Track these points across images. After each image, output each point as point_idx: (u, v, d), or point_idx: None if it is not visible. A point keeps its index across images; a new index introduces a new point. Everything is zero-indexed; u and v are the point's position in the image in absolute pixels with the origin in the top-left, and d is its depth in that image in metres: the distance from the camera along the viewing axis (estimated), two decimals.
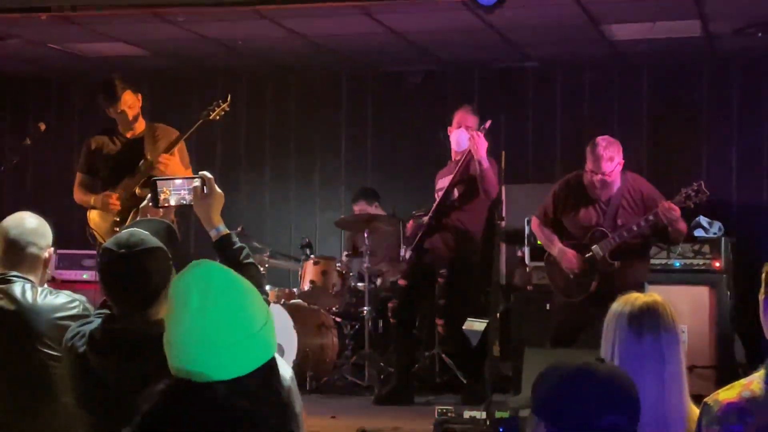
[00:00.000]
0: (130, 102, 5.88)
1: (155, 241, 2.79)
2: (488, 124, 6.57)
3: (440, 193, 6.77)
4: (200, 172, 3.19)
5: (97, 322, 2.82)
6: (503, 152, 6.30)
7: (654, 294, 2.84)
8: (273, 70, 9.11)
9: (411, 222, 6.96)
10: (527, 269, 7.32)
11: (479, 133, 6.47)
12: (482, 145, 6.43)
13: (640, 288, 5.55)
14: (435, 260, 6.74)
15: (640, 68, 8.48)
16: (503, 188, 6.80)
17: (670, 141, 8.39)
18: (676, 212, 5.59)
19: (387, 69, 8.94)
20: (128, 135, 5.97)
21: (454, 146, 6.80)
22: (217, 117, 6.01)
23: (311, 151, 9.27)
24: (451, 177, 6.73)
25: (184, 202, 3.24)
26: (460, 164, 6.65)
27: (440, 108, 8.67)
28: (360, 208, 8.23)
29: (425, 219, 6.79)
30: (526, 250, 7.30)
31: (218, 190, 3.18)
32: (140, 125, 5.99)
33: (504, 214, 6.95)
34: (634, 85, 8.52)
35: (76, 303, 3.44)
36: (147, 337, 2.64)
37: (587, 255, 5.81)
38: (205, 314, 1.97)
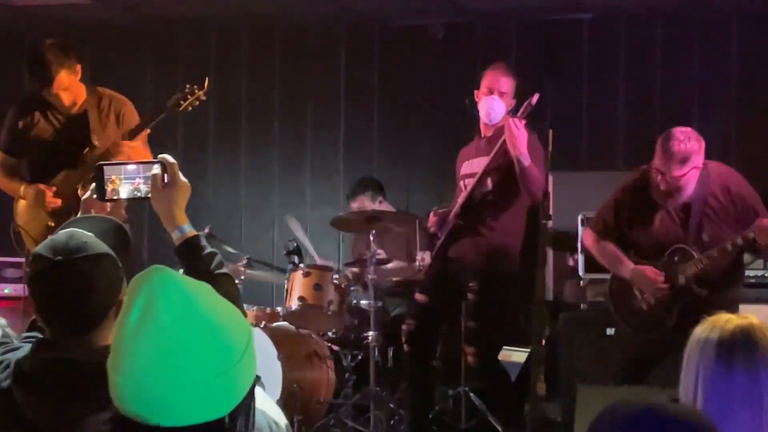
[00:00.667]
0: (66, 83, 5.93)
1: (101, 246, 2.79)
2: (535, 98, 6.46)
3: (468, 182, 6.75)
4: (160, 156, 3.20)
5: (26, 348, 2.82)
6: (550, 130, 6.30)
7: (750, 315, 2.82)
8: (251, 22, 9.13)
9: (432, 217, 6.92)
10: (581, 283, 7.32)
11: (518, 120, 6.36)
12: (522, 138, 6.35)
13: (733, 308, 5.54)
14: (462, 271, 6.73)
15: (727, 19, 8.48)
16: (550, 177, 6.80)
17: (763, 116, 8.38)
18: None
19: (398, 22, 8.94)
20: (67, 110, 6.02)
21: (483, 118, 6.77)
22: (189, 108, 6.03)
23: (300, 129, 9.29)
24: (480, 161, 6.71)
25: (139, 195, 3.24)
26: (497, 148, 6.60)
27: (466, 72, 8.67)
28: (359, 205, 8.23)
29: (450, 217, 6.79)
30: (580, 258, 7.30)
31: (183, 178, 3.20)
32: (80, 95, 6.03)
33: (551, 212, 6.95)
34: (720, 43, 8.52)
35: None
36: (89, 368, 2.64)
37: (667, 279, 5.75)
38: (169, 337, 1.95)
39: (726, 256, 5.65)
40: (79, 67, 6.00)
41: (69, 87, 5.96)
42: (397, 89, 8.98)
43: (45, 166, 6.03)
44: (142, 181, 3.21)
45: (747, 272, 6.69)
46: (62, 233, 2.83)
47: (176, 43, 9.41)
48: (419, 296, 6.94)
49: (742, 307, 5.87)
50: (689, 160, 5.58)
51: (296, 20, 9.01)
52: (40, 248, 2.79)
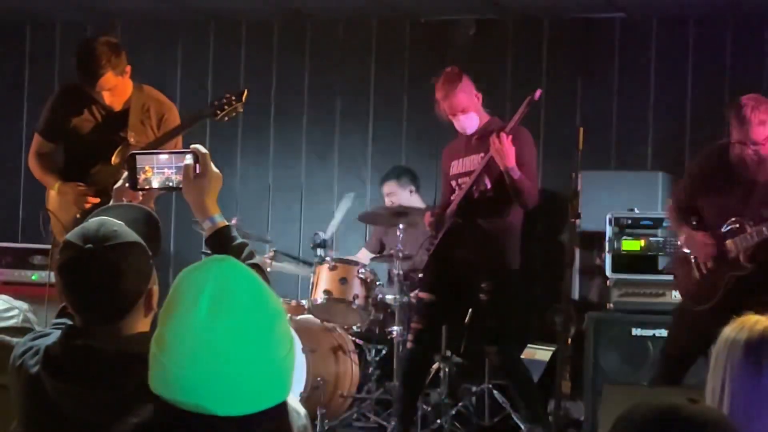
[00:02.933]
0: (112, 83, 5.92)
1: (132, 235, 2.78)
2: (537, 94, 6.41)
3: (462, 181, 6.67)
4: (192, 146, 3.21)
5: (55, 335, 2.82)
6: (580, 129, 6.28)
7: None
8: (282, 14, 9.14)
9: (428, 217, 6.86)
10: (608, 282, 7.32)
11: (503, 135, 6.28)
12: (509, 153, 6.28)
13: None
14: (470, 271, 6.65)
15: (760, 21, 8.44)
16: (579, 176, 6.77)
17: None
18: None
19: (430, 17, 8.94)
20: (110, 107, 6.03)
21: (462, 132, 6.74)
22: (226, 118, 6.03)
23: (329, 120, 9.29)
24: (473, 159, 6.61)
25: (171, 185, 3.25)
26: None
27: (497, 69, 8.68)
28: (390, 189, 8.24)
29: (447, 216, 6.70)
30: (607, 257, 7.29)
31: (215, 169, 3.20)
32: (126, 93, 6.03)
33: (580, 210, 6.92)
34: (752, 44, 8.48)
35: (14, 312, 3.43)
36: (118, 356, 2.66)
37: (719, 249, 5.74)
38: (218, 328, 1.96)
39: None
40: (128, 68, 5.99)
41: (113, 88, 5.93)
42: (428, 84, 8.96)
43: (80, 159, 6.04)
44: (174, 171, 3.22)
45: None
46: (93, 221, 2.82)
47: (207, 35, 9.43)
48: (423, 295, 6.82)
49: None
50: (766, 122, 5.55)
51: (327, 13, 9.02)
52: (71, 236, 2.79)
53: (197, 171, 3.18)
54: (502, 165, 6.31)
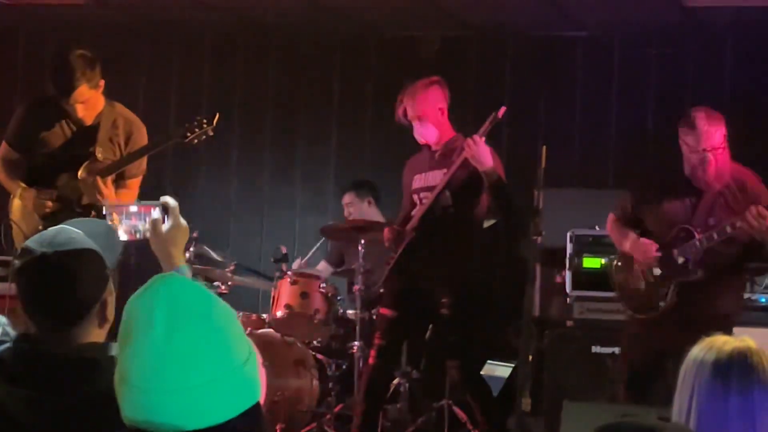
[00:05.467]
0: (85, 96, 5.89)
1: (88, 242, 2.79)
2: (501, 111, 6.38)
3: (424, 196, 6.67)
4: (162, 198, 3.22)
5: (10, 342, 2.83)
6: (544, 147, 6.29)
7: (747, 339, 2.83)
8: (246, 28, 9.13)
9: (388, 232, 6.84)
10: (567, 300, 7.33)
11: (476, 137, 6.25)
12: (485, 154, 6.26)
13: (727, 321, 5.56)
14: (432, 285, 6.64)
15: (721, 40, 8.50)
16: (541, 194, 6.78)
17: (759, 134, 8.39)
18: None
19: (394, 33, 8.95)
20: (80, 121, 5.99)
21: (418, 141, 6.74)
22: (195, 141, 6.01)
23: (292, 135, 9.29)
24: (435, 174, 6.60)
25: (138, 236, 3.28)
26: (457, 163, 6.50)
27: (460, 85, 8.69)
28: (349, 200, 8.27)
29: (407, 231, 6.69)
30: (568, 275, 7.31)
31: (183, 221, 3.22)
32: (97, 107, 6.00)
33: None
34: (714, 63, 8.54)
35: None
36: (70, 362, 2.66)
37: (666, 256, 5.78)
38: (174, 342, 1.99)
39: (727, 242, 5.65)
40: (102, 82, 5.96)
41: (87, 101, 5.91)
42: (391, 100, 8.96)
43: (46, 170, 6.01)
44: (142, 222, 3.25)
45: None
46: (52, 229, 2.84)
47: (170, 47, 9.41)
48: (385, 311, 6.79)
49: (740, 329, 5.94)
50: (719, 130, 5.66)
51: (291, 28, 9.02)
52: (29, 241, 2.81)
53: (165, 223, 3.20)
54: (481, 168, 6.28)
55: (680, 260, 5.74)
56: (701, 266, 5.70)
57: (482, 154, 6.24)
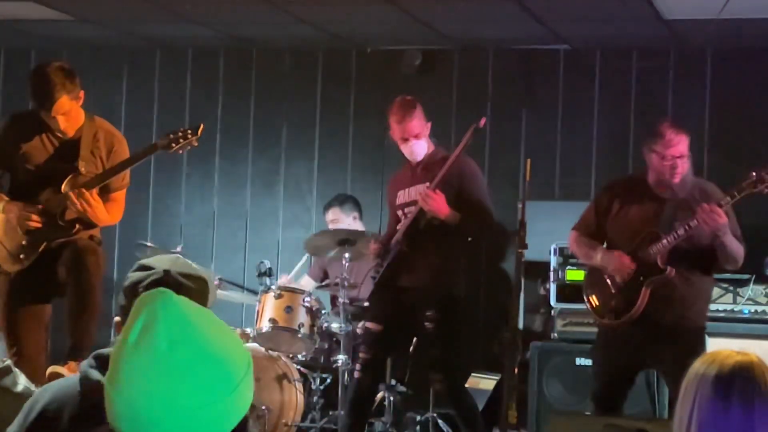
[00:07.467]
0: (66, 108, 5.87)
1: (204, 271, 2.83)
2: (482, 122, 6.48)
3: (408, 210, 6.69)
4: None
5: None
6: (528, 160, 6.31)
7: (750, 353, 2.83)
8: (228, 43, 9.13)
9: (373, 245, 6.87)
10: (552, 312, 7.35)
11: (428, 192, 6.42)
12: (440, 205, 6.43)
13: (700, 334, 5.60)
14: (418, 299, 6.65)
15: (702, 54, 8.53)
16: (524, 207, 6.79)
17: (737, 146, 8.43)
18: (719, 219, 5.59)
19: (376, 47, 8.96)
20: (62, 134, 5.97)
21: (409, 158, 6.79)
22: (180, 151, 6.03)
23: (275, 148, 9.28)
24: (418, 189, 6.62)
25: None
26: (438, 177, 6.56)
27: (443, 99, 8.72)
28: (334, 216, 8.24)
29: (392, 245, 6.71)
30: (552, 287, 7.33)
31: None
32: (78, 121, 5.99)
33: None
34: (694, 77, 8.57)
35: None
36: None
37: (636, 259, 5.85)
38: (164, 360, 1.96)
39: (690, 239, 5.76)
40: (81, 94, 5.95)
41: (68, 113, 5.88)
42: (373, 114, 9.00)
43: (28, 185, 5.98)
44: None
45: (714, 305, 6.77)
46: (166, 255, 2.90)
47: (153, 63, 9.42)
48: (372, 325, 6.83)
49: (709, 340, 5.95)
50: (684, 141, 5.87)
51: (273, 42, 9.02)
52: (145, 261, 2.79)
53: None
54: (440, 217, 6.43)
55: (650, 257, 5.82)
56: (670, 264, 5.80)
57: (437, 207, 6.42)
